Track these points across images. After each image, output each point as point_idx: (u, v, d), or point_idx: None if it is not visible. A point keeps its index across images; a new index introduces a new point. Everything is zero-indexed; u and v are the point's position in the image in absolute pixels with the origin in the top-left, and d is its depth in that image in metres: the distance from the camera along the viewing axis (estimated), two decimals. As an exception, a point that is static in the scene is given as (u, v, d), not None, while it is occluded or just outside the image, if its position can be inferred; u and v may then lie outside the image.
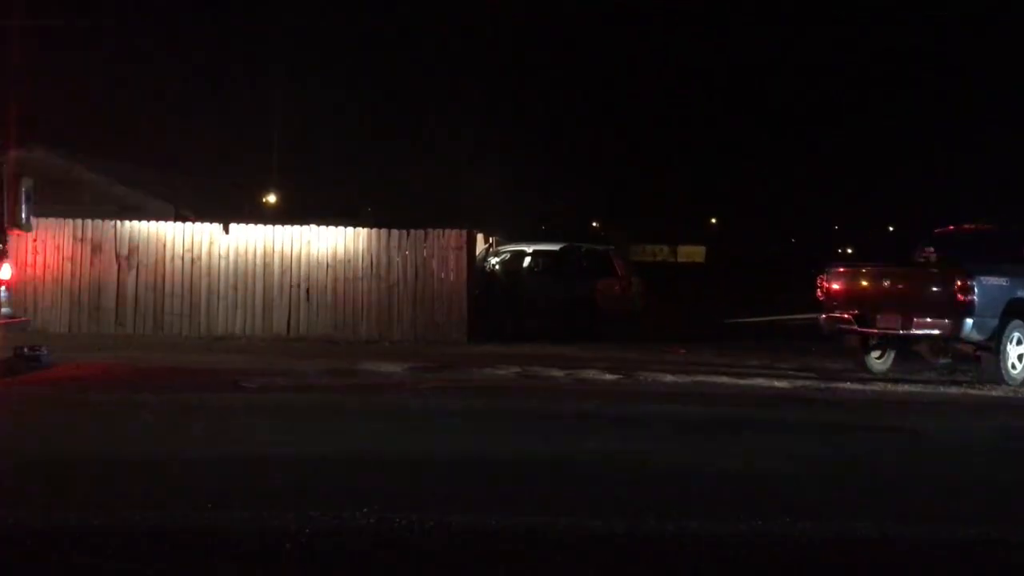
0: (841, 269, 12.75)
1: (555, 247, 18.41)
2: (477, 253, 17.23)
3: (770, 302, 22.90)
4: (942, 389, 11.02)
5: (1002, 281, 11.72)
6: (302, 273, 15.97)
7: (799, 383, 11.20)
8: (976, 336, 11.35)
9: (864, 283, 12.38)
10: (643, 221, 63.17)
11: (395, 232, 16.08)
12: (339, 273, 15.97)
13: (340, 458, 6.64)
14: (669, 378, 11.41)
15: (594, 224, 62.85)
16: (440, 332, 15.68)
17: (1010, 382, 11.28)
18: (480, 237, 17.79)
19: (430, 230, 16.07)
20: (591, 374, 11.63)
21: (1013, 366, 11.45)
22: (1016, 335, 11.50)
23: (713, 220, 73.33)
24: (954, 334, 11.38)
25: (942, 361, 12.30)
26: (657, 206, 63.48)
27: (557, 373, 11.64)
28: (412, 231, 16.08)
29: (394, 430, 7.90)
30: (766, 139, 70.78)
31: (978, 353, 11.56)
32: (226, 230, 16.08)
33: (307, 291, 15.93)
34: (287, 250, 16.02)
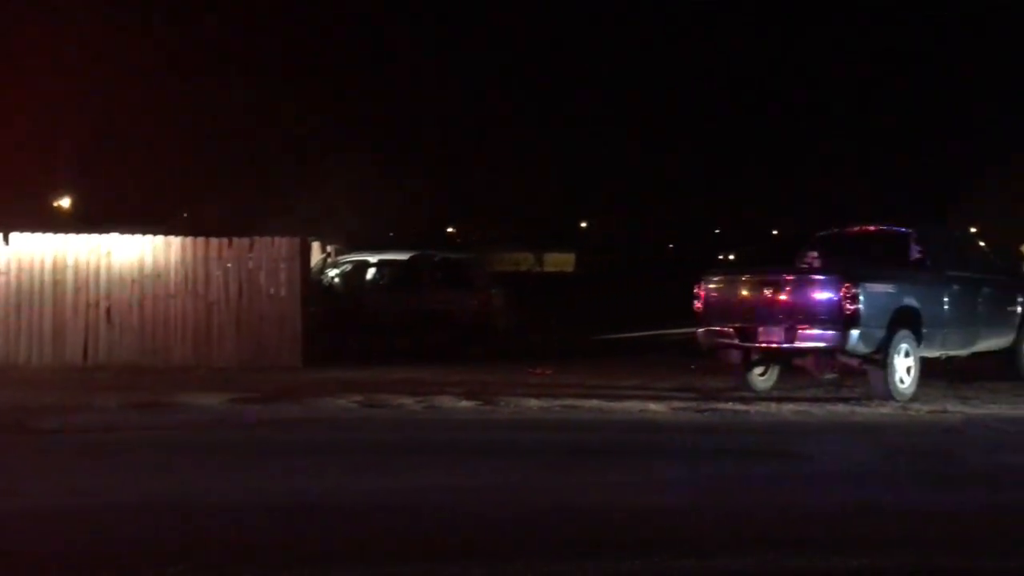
0: (719, 277, 13.13)
1: (404, 256, 18.39)
2: (313, 264, 17.03)
3: (646, 314, 23.47)
4: (828, 407, 11.51)
5: (889, 288, 12.33)
6: (101, 290, 15.42)
7: (677, 404, 11.50)
8: (862, 348, 11.86)
9: (744, 292, 12.77)
10: (506, 226, 63.77)
11: (214, 241, 15.71)
12: (147, 289, 15.50)
13: (138, 507, 6.45)
14: (534, 403, 11.54)
15: (450, 230, 63.07)
16: (270, 356, 15.40)
17: (898, 397, 11.85)
18: (316, 246, 17.60)
19: (256, 238, 15.79)
20: (446, 401, 11.65)
21: (901, 380, 12.03)
22: (904, 347, 12.09)
23: (584, 225, 74.64)
24: (840, 346, 11.86)
25: (828, 376, 12.83)
26: (522, 210, 64.22)
27: (407, 400, 11.61)
28: (235, 239, 15.76)
29: (212, 471, 7.70)
30: (642, 137, 72.69)
31: (864, 367, 12.10)
32: (5, 240, 15.38)
33: (107, 311, 15.38)
34: (83, 263, 15.44)
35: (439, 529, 6.05)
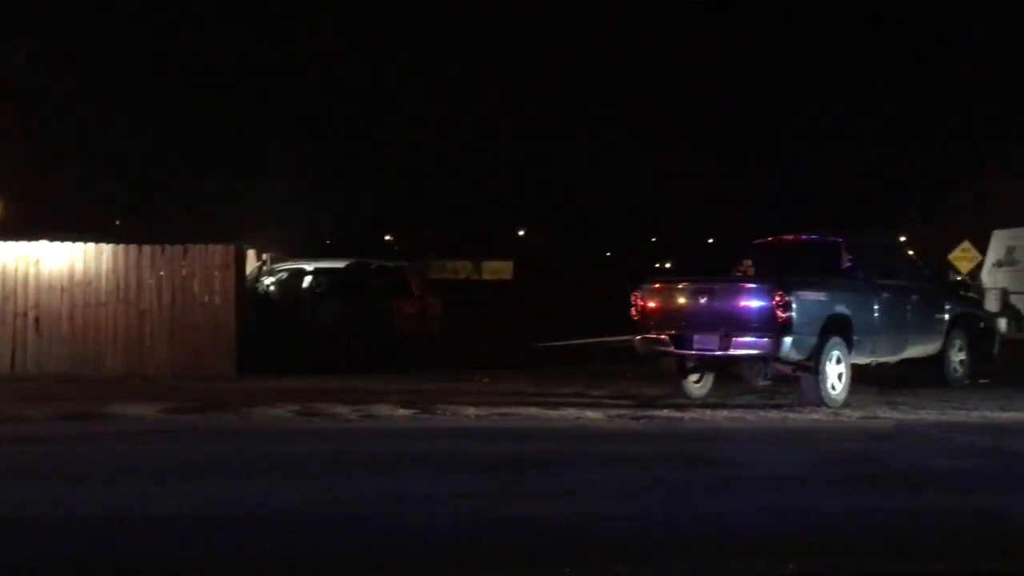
0: (656, 285, 13.27)
1: (341, 264, 18.31)
2: (248, 272, 16.88)
3: (585, 322, 23.61)
4: (762, 414, 11.68)
5: (821, 296, 12.56)
6: (29, 299, 15.14)
7: (614, 412, 11.59)
8: (795, 356, 12.06)
9: (680, 300, 12.93)
10: (444, 234, 63.70)
11: (147, 248, 15.52)
12: (77, 298, 15.25)
13: (63, 522, 6.34)
14: (472, 411, 11.55)
15: (387, 238, 62.84)
16: (204, 365, 15.23)
17: (830, 404, 12.07)
18: (251, 253, 17.45)
19: (190, 246, 15.62)
20: (383, 410, 11.61)
21: (833, 386, 12.26)
22: (835, 353, 12.32)
23: (522, 232, 74.81)
24: (773, 354, 12.05)
25: (762, 383, 13.03)
26: (460, 218, 64.22)
27: (343, 410, 11.55)
28: (168, 247, 15.57)
29: (142, 483, 7.60)
30: (578, 145, 73.13)
31: (797, 374, 12.30)
32: (-73, 246, 15.07)
33: (36, 320, 15.11)
34: (10, 271, 15.15)
35: (372, 540, 6.03)
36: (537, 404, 12.10)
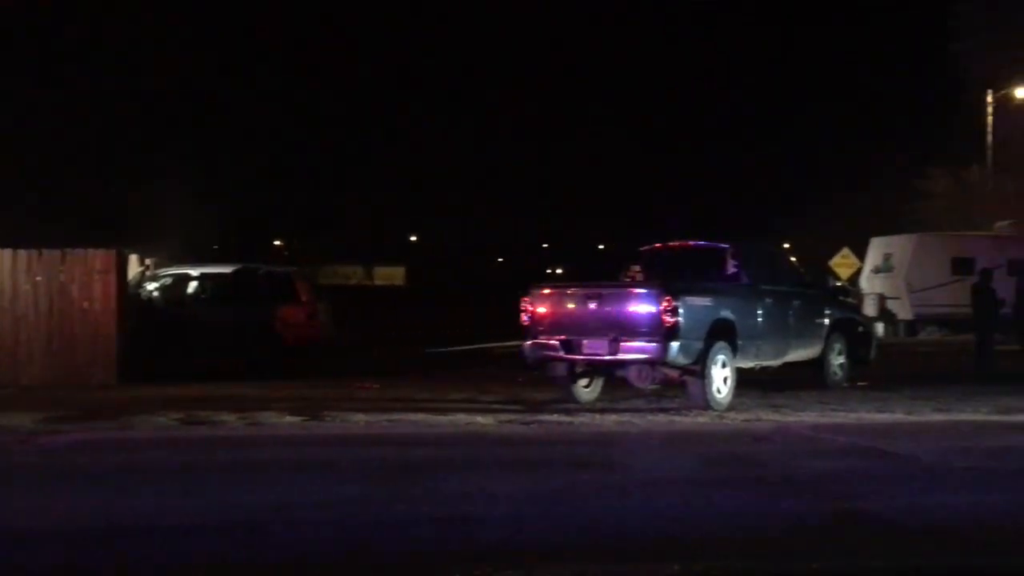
0: (545, 291, 13.36)
1: (227, 269, 17.98)
2: (130, 278, 16.47)
3: (476, 328, 23.66)
4: (649, 417, 11.84)
5: (707, 301, 12.80)
6: None
7: (504, 417, 11.62)
8: (682, 360, 12.27)
9: (569, 306, 13.06)
10: (335, 239, 63.12)
11: (22, 253, 15.00)
12: (-52, 304, 14.65)
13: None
14: (361, 417, 11.47)
15: (277, 243, 61.99)
16: (83, 374, 14.78)
17: (716, 407, 12.31)
18: (134, 258, 17.03)
19: (68, 251, 15.14)
20: (270, 416, 11.44)
21: (718, 390, 12.51)
22: (721, 358, 12.58)
23: (414, 238, 74.62)
24: (661, 358, 12.23)
25: (650, 387, 13.20)
26: (351, 223, 63.65)
27: (229, 417, 11.35)
28: (45, 252, 15.07)
29: (14, 495, 7.35)
30: (471, 150, 73.23)
31: (684, 378, 12.52)
32: None
33: (-96, 327, 14.47)
34: None
35: (256, 549, 5.94)
36: (427, 410, 12.07)
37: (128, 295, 15.91)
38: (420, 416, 11.62)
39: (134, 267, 16.97)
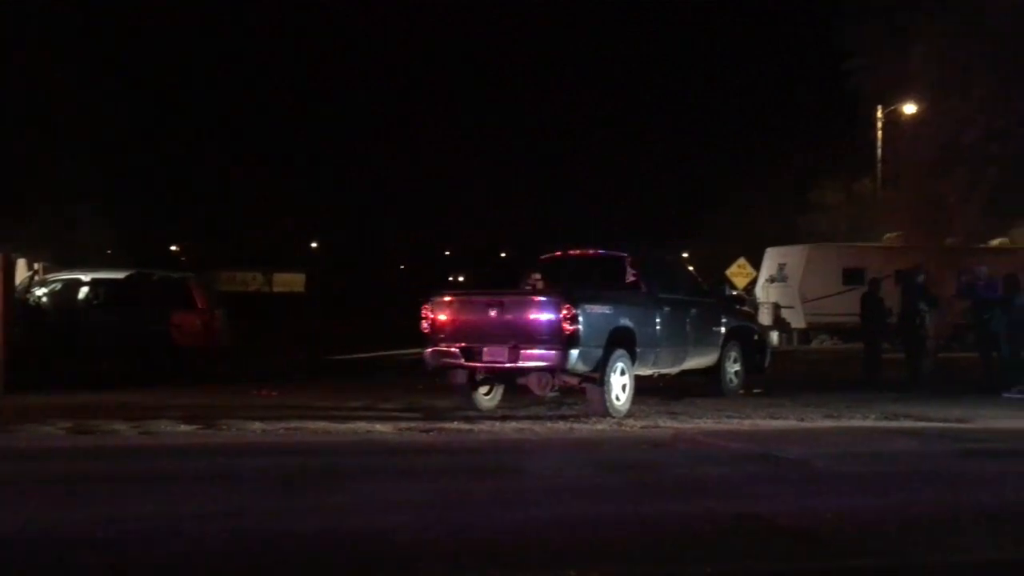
0: (446, 298, 13.36)
1: (120, 275, 17.58)
2: (18, 282, 15.98)
3: (377, 335, 23.54)
4: (549, 424, 11.92)
5: (606, 309, 12.94)
6: None
7: (403, 425, 11.58)
8: (582, 367, 12.39)
9: (470, 313, 13.07)
10: (234, 245, 62.10)
11: (-97, 256, 14.43)
12: None
13: None
14: (258, 425, 11.30)
15: (173, 248, 60.74)
16: (-34, 382, 14.26)
17: (615, 414, 12.45)
18: (21, 263, 16.54)
19: (-48, 254, 14.62)
20: (163, 425, 11.21)
21: (617, 397, 12.66)
22: (620, 365, 12.74)
23: (314, 245, 73.84)
24: (560, 366, 12.33)
25: (550, 394, 13.31)
26: (250, 229, 62.66)
27: (121, 426, 11.09)
28: (-73, 255, 14.53)
29: None
30: (374, 156, 72.83)
31: (583, 385, 12.63)
32: None
33: None
34: None
35: (148, 562, 5.80)
36: (326, 418, 11.95)
37: (15, 300, 15.42)
38: (319, 424, 11.50)
39: (22, 272, 16.47)
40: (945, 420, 12.44)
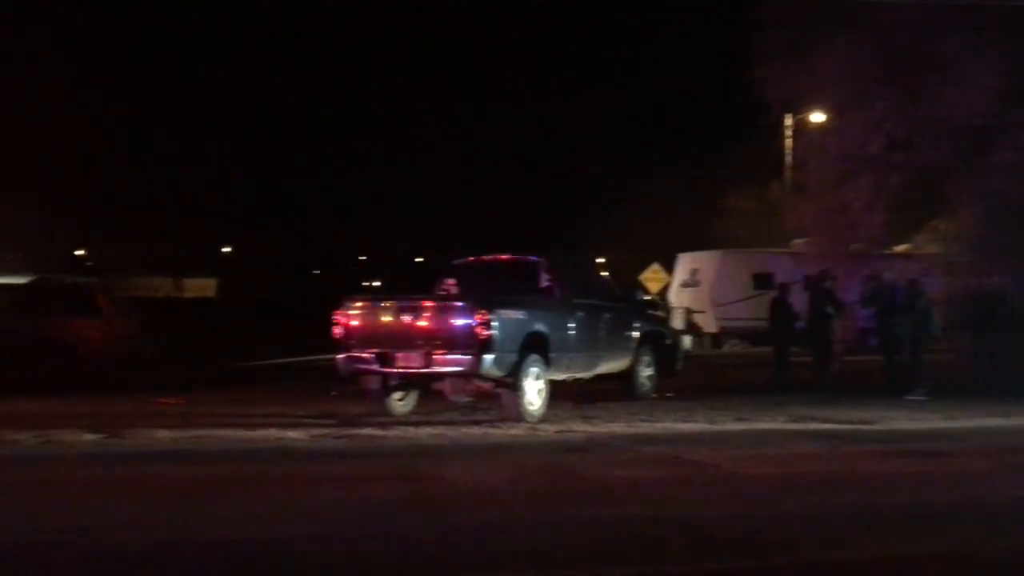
0: (359, 304, 13.24)
1: (22, 280, 17.12)
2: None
3: (290, 341, 23.23)
4: (463, 430, 11.89)
5: (520, 314, 12.95)
6: None
7: (316, 432, 11.44)
8: (496, 372, 12.38)
9: (383, 319, 12.97)
10: (143, 250, 60.84)
11: None
12: None
13: None
14: (166, 434, 11.07)
15: (78, 252, 59.28)
16: None
17: (529, 419, 12.46)
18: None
19: None
20: (67, 435, 10.91)
21: (531, 402, 12.67)
22: (534, 370, 12.75)
23: (227, 250, 72.75)
24: (475, 370, 12.31)
25: (464, 399, 13.26)
26: (161, 233, 61.47)
27: (21, 436, 10.76)
28: None
29: None
30: (288, 161, 72.08)
31: (498, 390, 12.62)
32: None
33: None
34: None
35: (50, 573, 5.65)
36: (236, 425, 11.76)
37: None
38: (228, 432, 11.32)
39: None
40: (850, 422, 12.72)
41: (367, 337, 12.84)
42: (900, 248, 28.80)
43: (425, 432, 11.62)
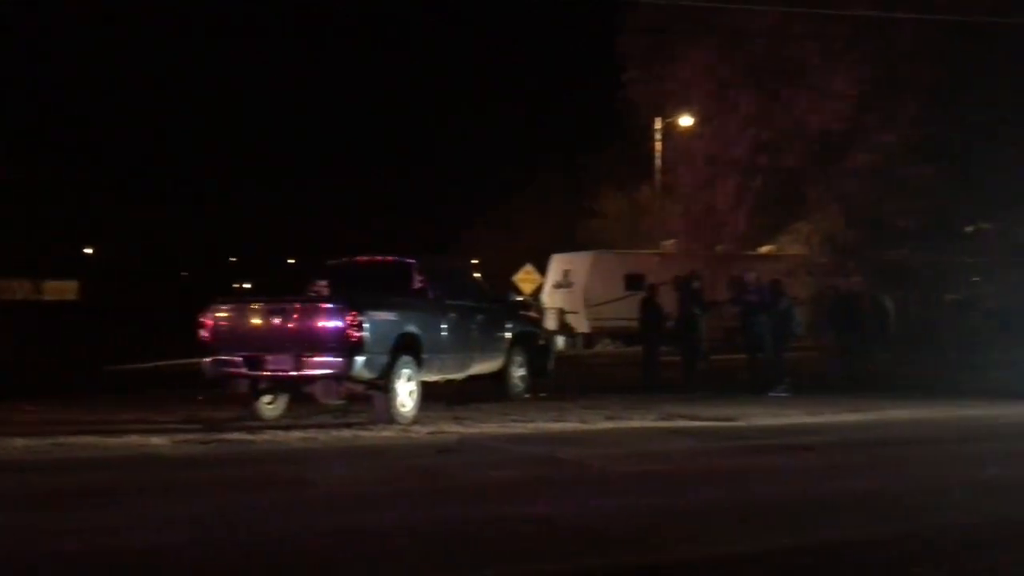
0: (226, 306, 12.94)
1: None
2: None
3: (156, 344, 22.60)
4: (334, 433, 11.72)
5: (392, 316, 12.85)
6: None
7: (181, 437, 11.13)
8: (367, 374, 12.25)
9: (252, 321, 12.71)
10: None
11: None
12: None
13: None
14: (20, 442, 10.61)
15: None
16: None
17: (401, 421, 12.37)
18: None
19: None
20: (-88, 445, 10.36)
21: (403, 404, 12.58)
22: (406, 372, 12.67)
23: (89, 251, 70.36)
24: (346, 373, 12.16)
25: (336, 402, 13.09)
26: (17, 234, 59.04)
27: None
28: None
29: None
30: (153, 159, 70.07)
31: (369, 392, 12.50)
32: None
33: None
34: None
35: None
36: (97, 432, 11.35)
37: None
38: (89, 439, 10.92)
39: None
40: (716, 419, 13.01)
41: (235, 339, 12.57)
42: (764, 249, 29.69)
43: (295, 436, 11.42)
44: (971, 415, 14.07)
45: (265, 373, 12.47)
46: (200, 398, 14.26)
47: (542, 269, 31.88)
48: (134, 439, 10.96)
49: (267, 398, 13.08)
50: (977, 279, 23.95)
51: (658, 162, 31.37)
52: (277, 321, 12.49)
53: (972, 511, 7.55)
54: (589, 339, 31.27)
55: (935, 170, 19.97)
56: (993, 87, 19.82)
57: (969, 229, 23.24)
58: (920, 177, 19.95)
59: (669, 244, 29.43)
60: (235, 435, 11.40)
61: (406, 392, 12.67)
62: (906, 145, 19.93)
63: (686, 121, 25.50)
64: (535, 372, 15.93)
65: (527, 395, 15.53)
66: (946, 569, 6.04)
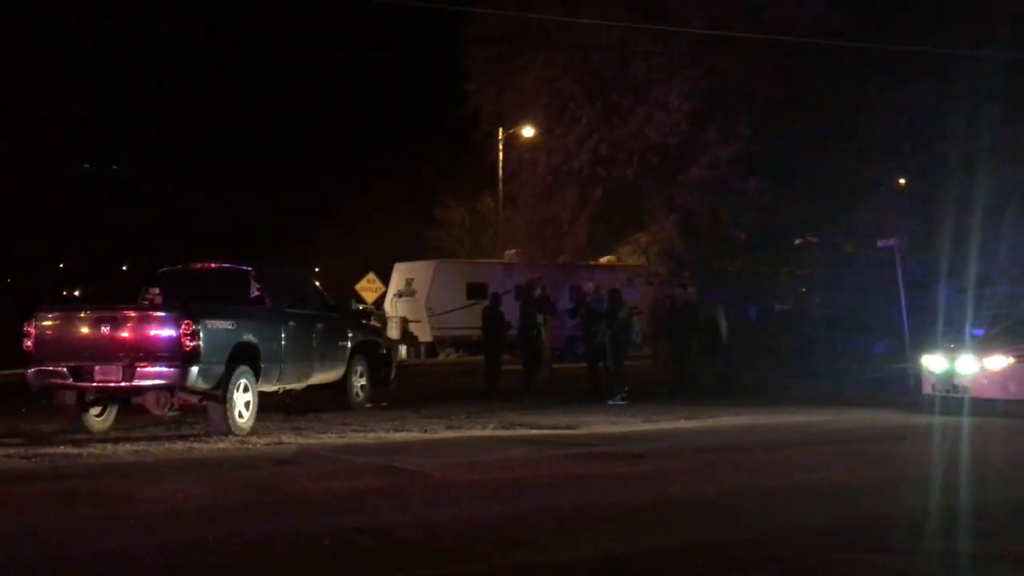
0: (53, 314, 12.43)
1: None
2: None
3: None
4: (167, 445, 11.39)
5: (228, 324, 12.56)
6: None
7: (1, 452, 10.63)
8: (202, 385, 11.95)
9: (80, 330, 12.24)
10: None
11: None
12: None
13: None
14: None
15: None
16: None
17: (237, 432, 12.12)
18: None
19: None
20: None
21: (240, 415, 12.33)
22: (243, 382, 12.41)
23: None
24: (180, 383, 11.83)
25: (169, 413, 12.72)
26: None
27: None
28: None
29: None
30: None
31: (205, 403, 12.20)
32: None
33: None
34: None
35: None
36: (-94, 448, 10.73)
37: None
38: None
39: None
40: (556, 427, 13.20)
41: (62, 349, 12.08)
42: (604, 259, 30.28)
43: (125, 449, 11.05)
44: (796, 421, 14.66)
45: (93, 384, 12.02)
46: (24, 410, 13.65)
47: (385, 278, 31.72)
48: (-51, 454, 10.41)
49: (96, 410, 12.63)
50: (804, 289, 25.00)
51: (501, 172, 31.65)
52: (107, 330, 12.05)
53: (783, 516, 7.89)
54: (432, 348, 31.28)
55: (767, 184, 20.75)
56: (820, 105, 20.73)
57: (797, 241, 24.24)
58: (752, 191, 20.68)
59: (511, 254, 29.69)
60: (60, 448, 10.98)
61: (243, 403, 12.42)
62: (740, 159, 20.63)
63: (528, 132, 25.78)
64: (377, 381, 15.86)
65: (368, 405, 15.44)
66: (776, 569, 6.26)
